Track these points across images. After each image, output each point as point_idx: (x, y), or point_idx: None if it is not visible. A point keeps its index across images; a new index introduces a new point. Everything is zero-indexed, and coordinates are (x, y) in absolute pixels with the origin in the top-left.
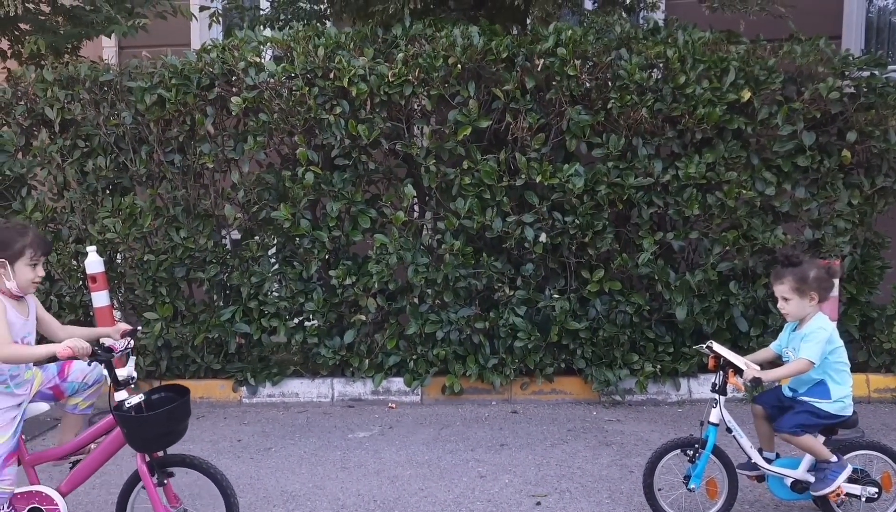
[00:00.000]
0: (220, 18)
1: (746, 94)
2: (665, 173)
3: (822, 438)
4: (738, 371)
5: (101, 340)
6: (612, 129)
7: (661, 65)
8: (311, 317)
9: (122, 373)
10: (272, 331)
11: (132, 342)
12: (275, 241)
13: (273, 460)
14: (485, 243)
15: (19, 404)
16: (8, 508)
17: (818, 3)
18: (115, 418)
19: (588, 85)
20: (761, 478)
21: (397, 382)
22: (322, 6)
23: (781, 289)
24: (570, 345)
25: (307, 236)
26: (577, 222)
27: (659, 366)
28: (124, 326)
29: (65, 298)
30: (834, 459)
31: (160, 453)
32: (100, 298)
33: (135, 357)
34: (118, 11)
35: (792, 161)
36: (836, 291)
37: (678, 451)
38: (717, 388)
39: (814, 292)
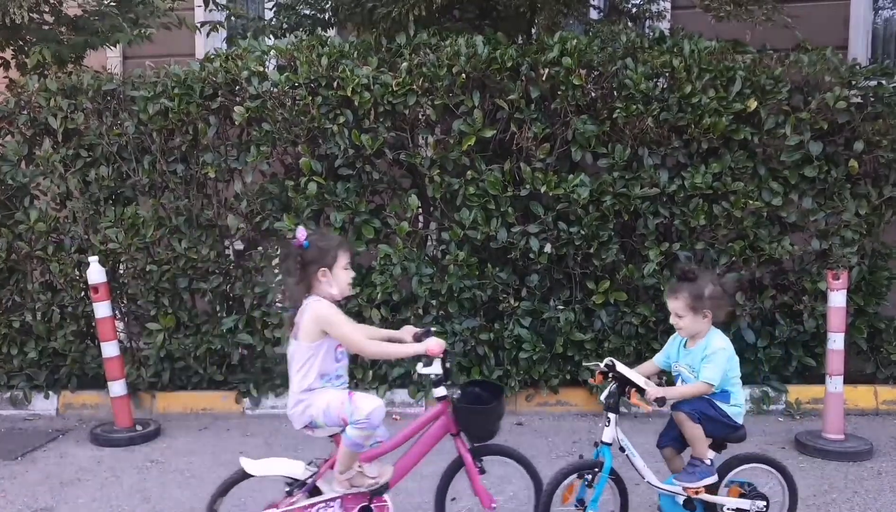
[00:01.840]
0: (221, 27)
1: (753, 104)
2: (671, 183)
3: (712, 453)
4: (640, 390)
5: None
6: (617, 138)
7: (666, 74)
8: None
9: (436, 370)
10: (275, 342)
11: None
12: (278, 252)
13: None
14: (489, 254)
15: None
16: (340, 509)
17: (824, 12)
18: (455, 409)
19: (593, 94)
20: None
21: (401, 394)
22: (326, 15)
23: (675, 305)
24: (575, 356)
25: None
26: (583, 233)
27: (665, 377)
28: (414, 329)
29: (67, 309)
30: (708, 462)
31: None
32: (102, 309)
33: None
34: (124, 20)
35: (799, 171)
36: (843, 302)
37: (575, 476)
38: (609, 406)
39: (707, 310)
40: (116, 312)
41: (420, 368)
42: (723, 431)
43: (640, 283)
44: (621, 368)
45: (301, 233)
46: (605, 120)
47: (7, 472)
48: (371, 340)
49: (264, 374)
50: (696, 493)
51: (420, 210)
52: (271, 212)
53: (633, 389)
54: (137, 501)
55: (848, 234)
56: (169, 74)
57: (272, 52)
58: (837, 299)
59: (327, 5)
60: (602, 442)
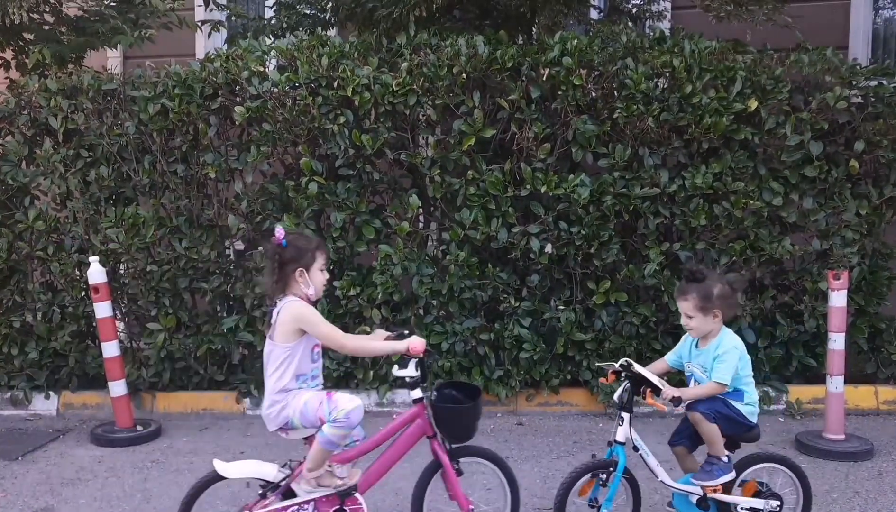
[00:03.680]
0: (221, 28)
1: (753, 104)
2: (671, 183)
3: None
4: (656, 390)
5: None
6: (618, 138)
7: (667, 74)
8: None
9: (411, 372)
10: None
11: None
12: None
13: None
14: (490, 254)
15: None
16: (314, 511)
17: (825, 13)
18: (434, 409)
19: (594, 94)
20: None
21: (402, 394)
22: (326, 14)
23: (685, 306)
24: (575, 356)
25: None
26: (583, 233)
27: (665, 377)
28: (385, 333)
29: (67, 309)
30: (725, 459)
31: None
32: (102, 309)
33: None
34: (124, 22)
35: (799, 171)
36: (843, 302)
37: (589, 475)
38: (622, 405)
39: (717, 310)
40: (117, 312)
41: (395, 371)
42: (738, 430)
43: (640, 283)
44: (638, 368)
45: (279, 232)
46: (605, 120)
47: (8, 472)
48: (351, 336)
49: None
50: (714, 491)
51: (420, 210)
52: (272, 212)
53: (650, 389)
54: (138, 501)
55: (848, 234)
56: (169, 74)
57: (272, 52)
58: (838, 299)
59: (328, 5)
60: (616, 441)
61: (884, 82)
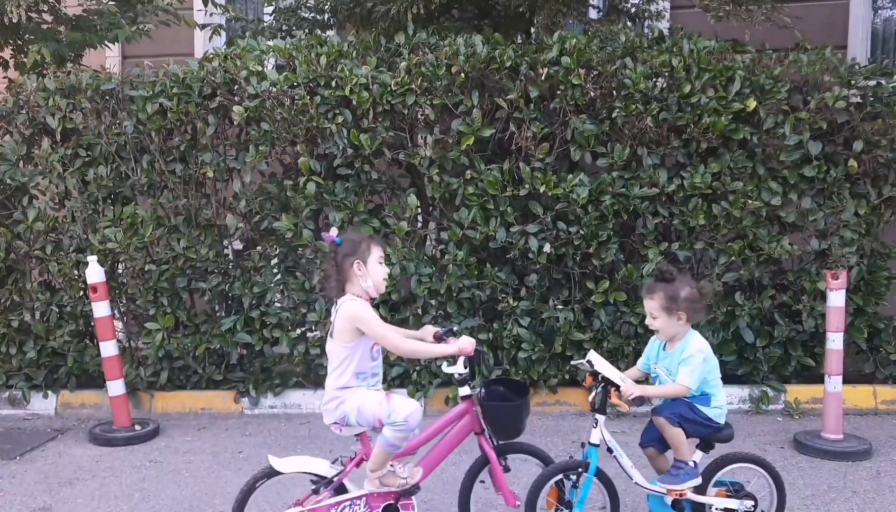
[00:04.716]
0: (222, 31)
1: (752, 104)
2: (670, 183)
3: (699, 454)
4: (617, 388)
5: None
6: (616, 138)
7: (666, 74)
8: (313, 327)
9: (460, 369)
10: (274, 341)
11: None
12: (277, 252)
13: None
14: (489, 254)
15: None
16: (365, 507)
17: (823, 12)
18: (483, 407)
19: (593, 94)
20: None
21: (400, 393)
22: (325, 16)
23: (651, 305)
24: (574, 356)
25: (310, 246)
26: (582, 233)
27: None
28: (433, 328)
29: (66, 308)
30: (692, 463)
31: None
32: (100, 308)
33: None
34: (122, 17)
35: (798, 171)
36: (842, 302)
37: (561, 476)
38: (595, 406)
39: (682, 312)
40: (115, 311)
41: (445, 367)
42: (704, 433)
43: (639, 282)
44: (597, 362)
45: (332, 231)
46: (604, 120)
47: (6, 471)
48: (406, 339)
49: (263, 373)
50: (682, 494)
51: (419, 210)
52: (270, 211)
53: (613, 388)
54: (136, 501)
55: (847, 233)
56: (168, 74)
57: (271, 52)
58: (836, 299)
59: (326, 6)
60: (589, 443)
61: (882, 82)
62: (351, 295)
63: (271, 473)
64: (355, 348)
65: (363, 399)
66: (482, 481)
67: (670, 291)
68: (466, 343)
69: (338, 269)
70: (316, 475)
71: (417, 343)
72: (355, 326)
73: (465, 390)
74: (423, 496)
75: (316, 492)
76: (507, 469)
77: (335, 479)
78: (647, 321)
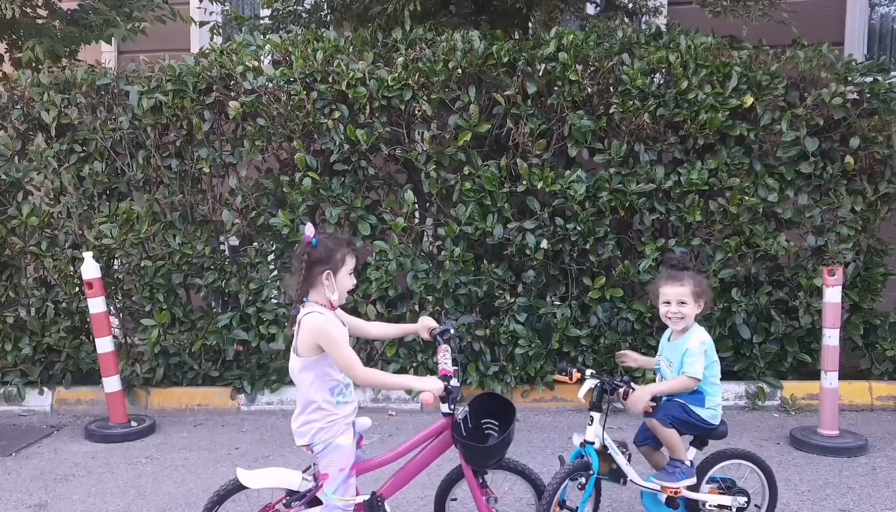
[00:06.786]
0: (221, 31)
1: (749, 100)
2: (667, 179)
3: (693, 451)
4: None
5: (441, 367)
6: (614, 134)
7: (663, 70)
8: None
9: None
10: (271, 338)
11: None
12: (273, 248)
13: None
14: (486, 250)
15: (353, 411)
16: None
17: (820, 9)
18: (456, 443)
19: (590, 90)
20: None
21: (398, 391)
22: (322, 13)
23: (681, 292)
24: (571, 352)
25: None
26: (579, 229)
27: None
28: (431, 323)
29: (61, 304)
30: (688, 463)
31: None
32: (96, 304)
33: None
34: (117, 14)
35: (795, 167)
36: (838, 298)
37: (568, 481)
38: (591, 405)
39: (701, 301)
40: (111, 307)
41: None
42: (698, 432)
43: (636, 279)
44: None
45: (310, 229)
46: (601, 116)
47: (1, 468)
48: (367, 369)
49: (259, 370)
50: (675, 492)
51: (416, 206)
52: (266, 207)
53: (622, 390)
54: (132, 497)
55: (843, 230)
56: (163, 69)
57: (267, 47)
58: (833, 295)
59: (323, 3)
60: (586, 441)
61: (879, 78)
62: (314, 304)
63: (237, 487)
64: (321, 364)
65: (336, 452)
66: (454, 499)
67: (698, 278)
68: (433, 388)
69: (305, 272)
70: (287, 489)
71: (379, 374)
72: (317, 341)
73: (444, 408)
74: (399, 505)
75: (287, 506)
76: (484, 485)
77: (307, 494)
78: (673, 310)
